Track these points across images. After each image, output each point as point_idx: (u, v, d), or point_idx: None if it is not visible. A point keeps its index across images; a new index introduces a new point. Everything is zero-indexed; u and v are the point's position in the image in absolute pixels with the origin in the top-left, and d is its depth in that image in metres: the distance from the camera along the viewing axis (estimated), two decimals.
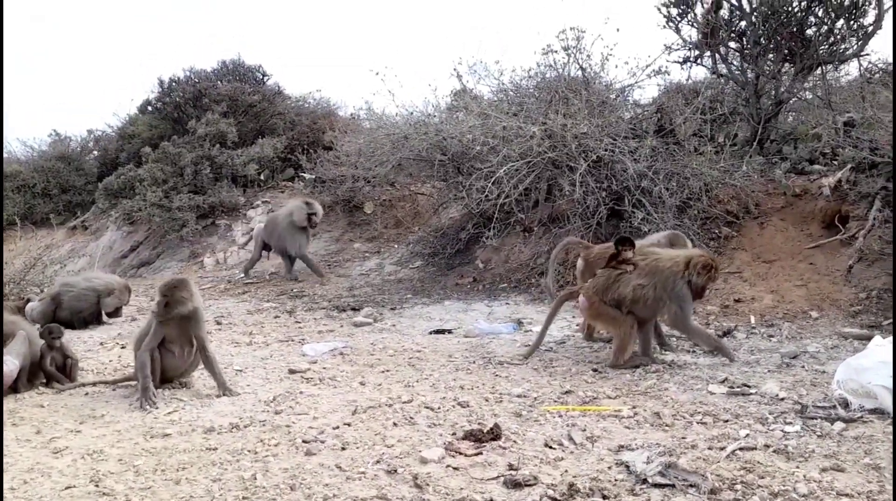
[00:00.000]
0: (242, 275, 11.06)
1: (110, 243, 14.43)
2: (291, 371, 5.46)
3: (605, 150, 8.39)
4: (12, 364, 4.74)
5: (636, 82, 9.74)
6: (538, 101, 9.56)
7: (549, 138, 8.48)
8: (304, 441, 3.84)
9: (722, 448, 3.61)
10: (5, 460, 3.65)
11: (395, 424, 4.13)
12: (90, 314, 7.84)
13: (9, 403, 4.64)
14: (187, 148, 13.86)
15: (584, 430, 3.96)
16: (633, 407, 4.36)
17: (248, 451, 3.72)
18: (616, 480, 3.28)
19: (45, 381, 5.14)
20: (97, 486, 3.32)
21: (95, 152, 17.11)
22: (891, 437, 3.70)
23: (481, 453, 3.64)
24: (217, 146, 13.87)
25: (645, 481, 3.23)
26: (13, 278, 8.86)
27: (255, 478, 3.34)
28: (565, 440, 3.82)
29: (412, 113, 10.60)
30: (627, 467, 3.40)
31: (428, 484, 3.25)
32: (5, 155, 16.78)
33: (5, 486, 3.29)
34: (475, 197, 8.81)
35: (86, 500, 3.16)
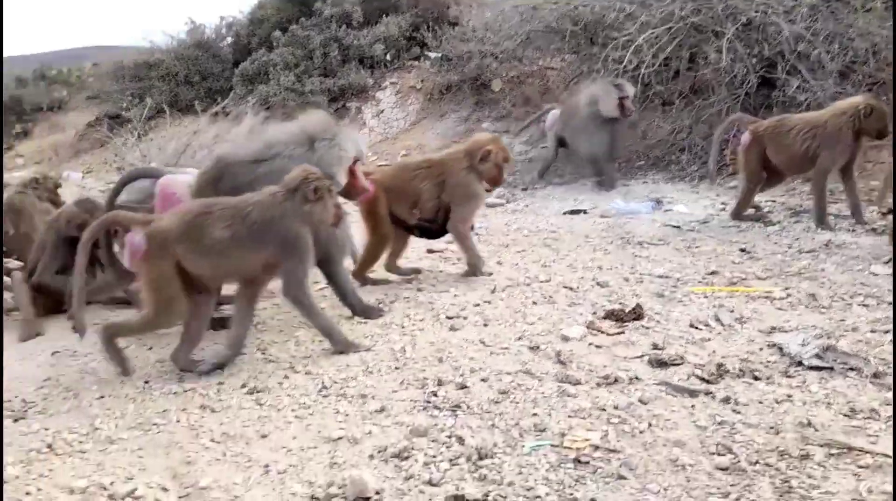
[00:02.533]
0: (535, 177, 8.92)
1: (250, 129, 15.02)
2: (430, 251, 5.59)
3: (756, 11, 7.64)
4: None
5: None
6: None
7: (693, 1, 7.81)
8: (447, 317, 3.96)
9: (887, 332, 3.39)
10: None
11: (534, 302, 4.17)
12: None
13: None
14: (315, 30, 13.99)
15: (733, 311, 3.83)
16: (786, 289, 4.15)
17: (396, 325, 3.90)
18: (768, 362, 3.18)
19: None
20: (263, 354, 3.61)
21: (229, 39, 17.51)
22: None
23: (623, 332, 3.62)
24: (343, 27, 13.88)
25: (800, 363, 3.11)
26: (167, 162, 9.54)
27: (405, 350, 3.51)
28: (712, 320, 3.72)
29: None
30: (780, 349, 3.28)
31: (571, 361, 3.29)
32: (147, 45, 17.52)
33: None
34: (611, 69, 8.35)
35: (255, 365, 3.45)
